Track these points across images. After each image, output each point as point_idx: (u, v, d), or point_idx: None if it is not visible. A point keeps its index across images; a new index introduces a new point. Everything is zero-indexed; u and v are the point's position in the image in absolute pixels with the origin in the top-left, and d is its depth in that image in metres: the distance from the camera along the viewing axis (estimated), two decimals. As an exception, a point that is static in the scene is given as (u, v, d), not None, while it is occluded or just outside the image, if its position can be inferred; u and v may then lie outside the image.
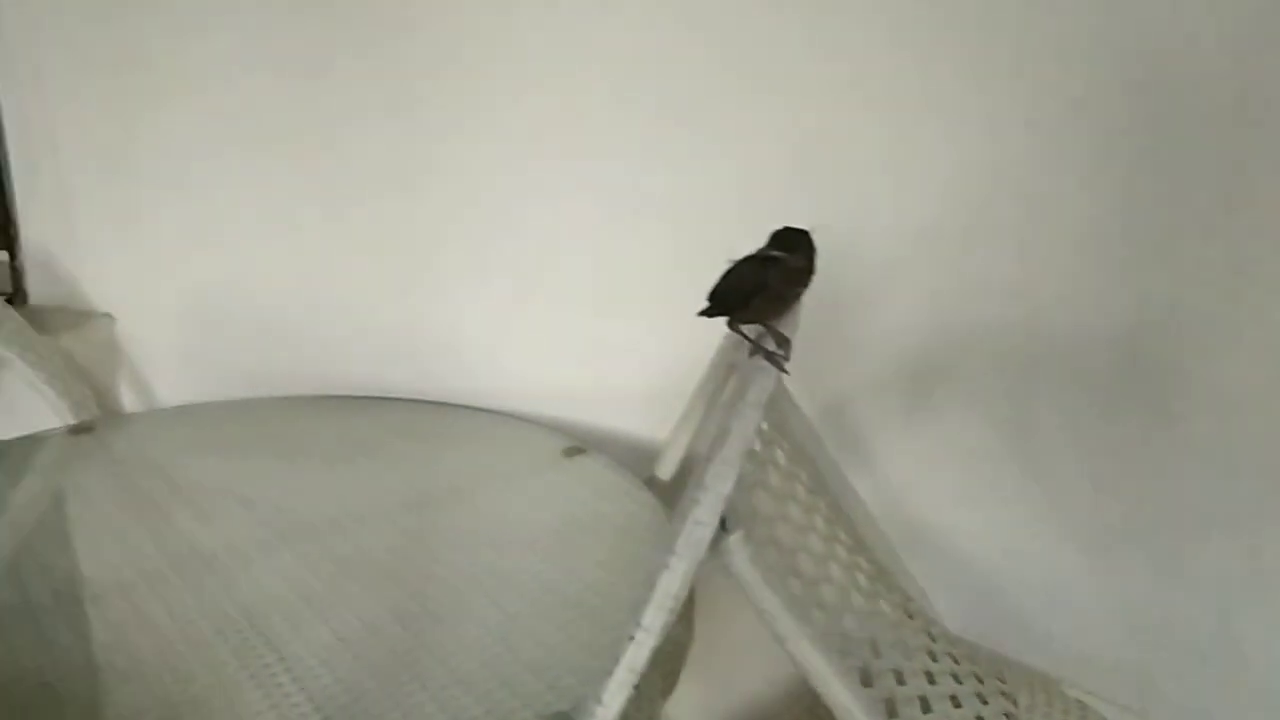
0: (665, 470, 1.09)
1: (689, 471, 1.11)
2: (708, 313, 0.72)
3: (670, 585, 0.61)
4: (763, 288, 0.68)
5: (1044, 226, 1.04)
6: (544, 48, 1.14)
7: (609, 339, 1.19)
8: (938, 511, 1.15)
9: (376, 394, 1.27)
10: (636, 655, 0.61)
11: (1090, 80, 0.97)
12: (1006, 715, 0.82)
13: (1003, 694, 0.85)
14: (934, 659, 0.82)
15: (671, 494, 1.06)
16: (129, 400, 1.39)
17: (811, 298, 1.07)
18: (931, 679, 0.79)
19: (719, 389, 1.02)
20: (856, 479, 1.11)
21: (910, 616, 0.85)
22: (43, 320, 1.32)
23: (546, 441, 1.15)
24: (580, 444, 1.14)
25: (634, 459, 1.12)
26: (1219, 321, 0.98)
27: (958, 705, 0.79)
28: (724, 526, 0.64)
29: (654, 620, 0.61)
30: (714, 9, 1.08)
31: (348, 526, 0.98)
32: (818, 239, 0.69)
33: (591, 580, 0.89)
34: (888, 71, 1.04)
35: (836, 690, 0.67)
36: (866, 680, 0.72)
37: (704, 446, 1.12)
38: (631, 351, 1.18)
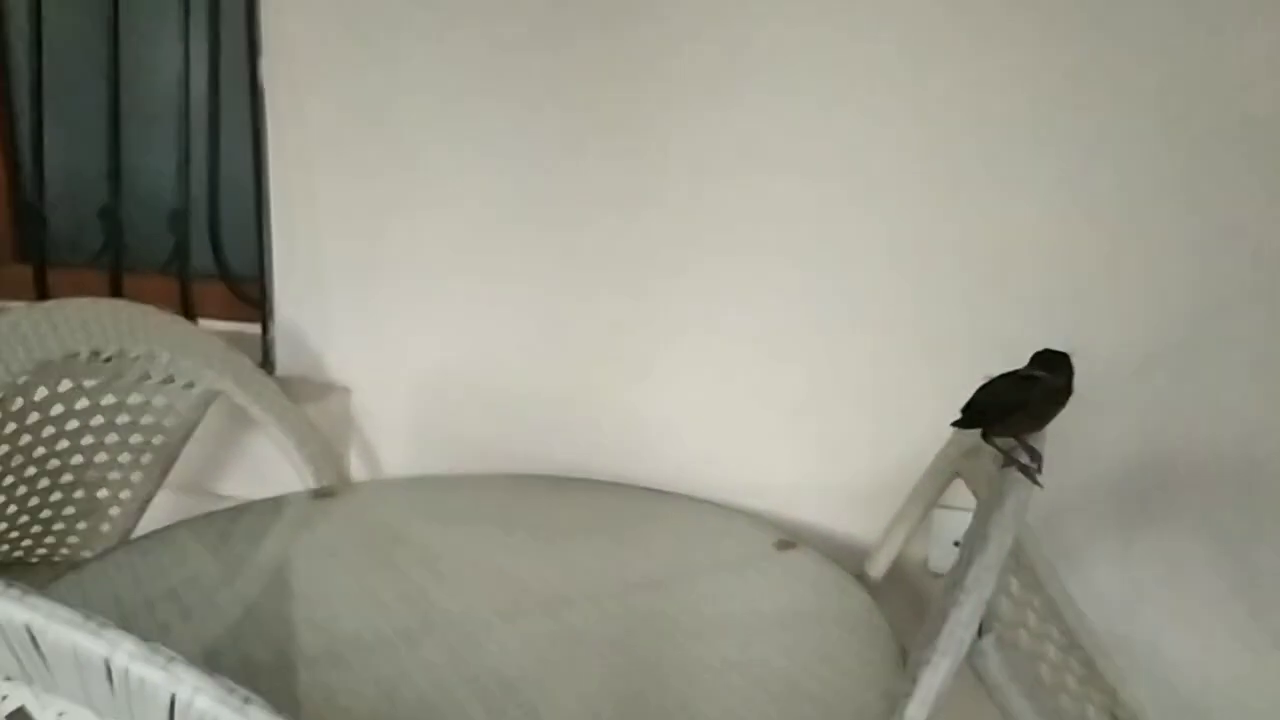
0: (877, 569, 1.11)
1: (900, 571, 1.14)
2: (962, 424, 0.76)
3: (933, 681, 0.64)
4: (1023, 405, 0.72)
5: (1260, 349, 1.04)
6: (783, 143, 1.20)
7: (821, 435, 1.23)
8: (1149, 632, 1.14)
9: (590, 478, 1.34)
10: (907, 751, 0.64)
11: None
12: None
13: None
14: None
15: (881, 593, 1.08)
16: (357, 469, 1.50)
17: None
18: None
19: (938, 492, 1.05)
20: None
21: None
22: (288, 389, 1.45)
23: (757, 534, 1.19)
24: (791, 538, 1.17)
25: (844, 557, 1.15)
26: None
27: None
28: (979, 630, 0.67)
29: (916, 714, 0.64)
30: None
31: (577, 602, 1.04)
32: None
33: (817, 671, 0.92)
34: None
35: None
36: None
37: (916, 547, 1.15)
38: (843, 450, 1.22)
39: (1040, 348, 0.71)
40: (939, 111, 1.14)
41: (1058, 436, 1.13)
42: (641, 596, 1.06)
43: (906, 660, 0.91)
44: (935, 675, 0.64)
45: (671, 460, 1.30)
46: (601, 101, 1.27)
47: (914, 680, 0.64)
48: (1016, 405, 0.72)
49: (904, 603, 1.12)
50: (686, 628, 1.00)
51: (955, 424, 0.76)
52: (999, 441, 0.74)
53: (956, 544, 1.15)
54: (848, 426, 1.21)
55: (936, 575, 1.19)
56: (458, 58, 1.32)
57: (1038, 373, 0.71)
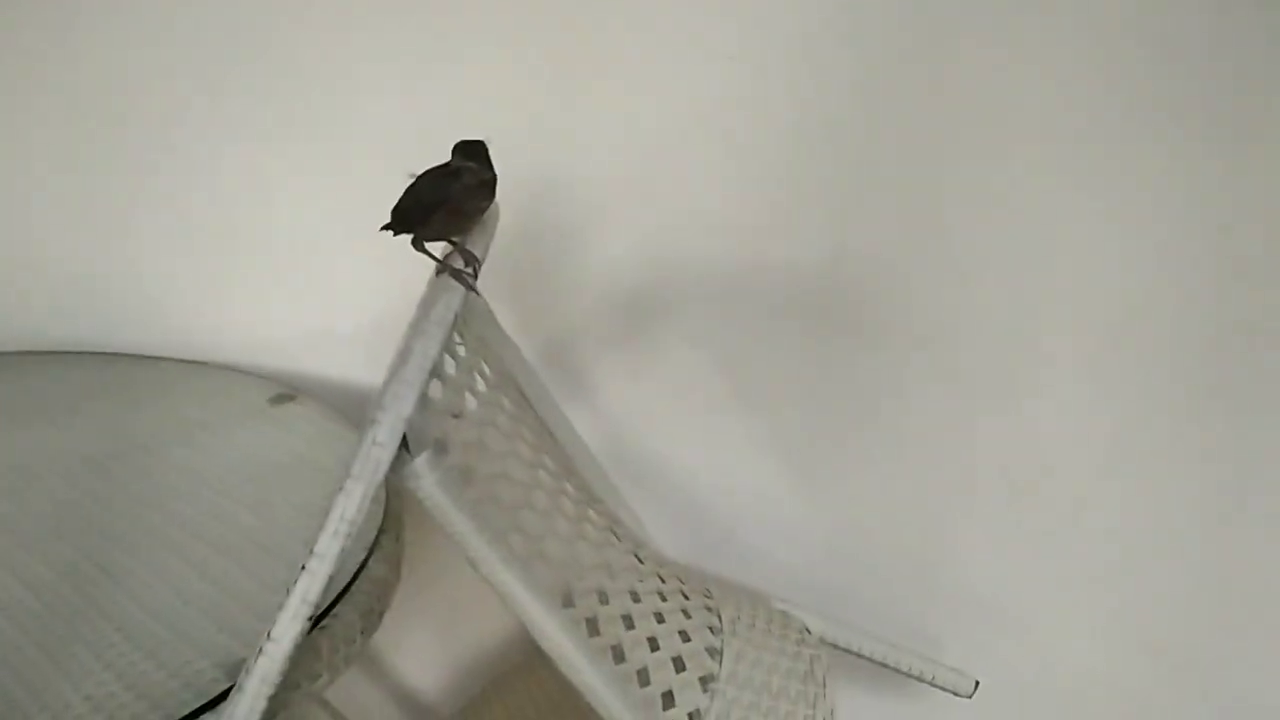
0: (378, 413, 1.05)
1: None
2: (390, 228, 0.69)
3: (345, 509, 0.58)
4: (445, 201, 0.66)
5: (748, 165, 1.07)
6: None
7: (318, 282, 1.13)
8: (656, 444, 1.17)
9: (59, 349, 1.16)
10: (310, 584, 0.58)
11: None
12: (710, 628, 0.84)
13: (707, 608, 0.87)
14: (641, 579, 0.84)
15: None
16: None
17: (522, 237, 1.07)
18: (636, 597, 0.80)
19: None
20: (578, 415, 1.12)
21: (618, 539, 0.86)
22: None
23: (253, 390, 1.09)
24: (290, 391, 1.08)
25: (350, 405, 1.07)
26: (916, 252, 1.04)
27: (661, 620, 0.80)
28: (407, 449, 0.62)
29: (328, 547, 0.58)
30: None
31: (15, 485, 0.89)
32: (505, 157, 0.68)
33: (286, 523, 0.85)
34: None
35: (534, 612, 0.67)
36: (568, 601, 0.72)
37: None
38: (343, 294, 1.13)
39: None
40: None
41: (558, 262, 1.12)
42: (101, 472, 0.93)
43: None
44: (348, 501, 0.58)
45: (149, 323, 1.15)
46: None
47: (327, 510, 0.58)
48: (440, 202, 0.66)
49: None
50: (144, 498, 0.89)
51: (384, 228, 0.69)
52: (431, 247, 0.69)
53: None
54: (342, 272, 1.12)
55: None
56: None
57: (460, 164, 0.65)
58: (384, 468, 0.59)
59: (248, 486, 0.91)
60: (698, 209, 1.09)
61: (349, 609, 0.73)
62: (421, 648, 1.27)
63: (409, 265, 1.08)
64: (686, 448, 1.18)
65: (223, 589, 0.76)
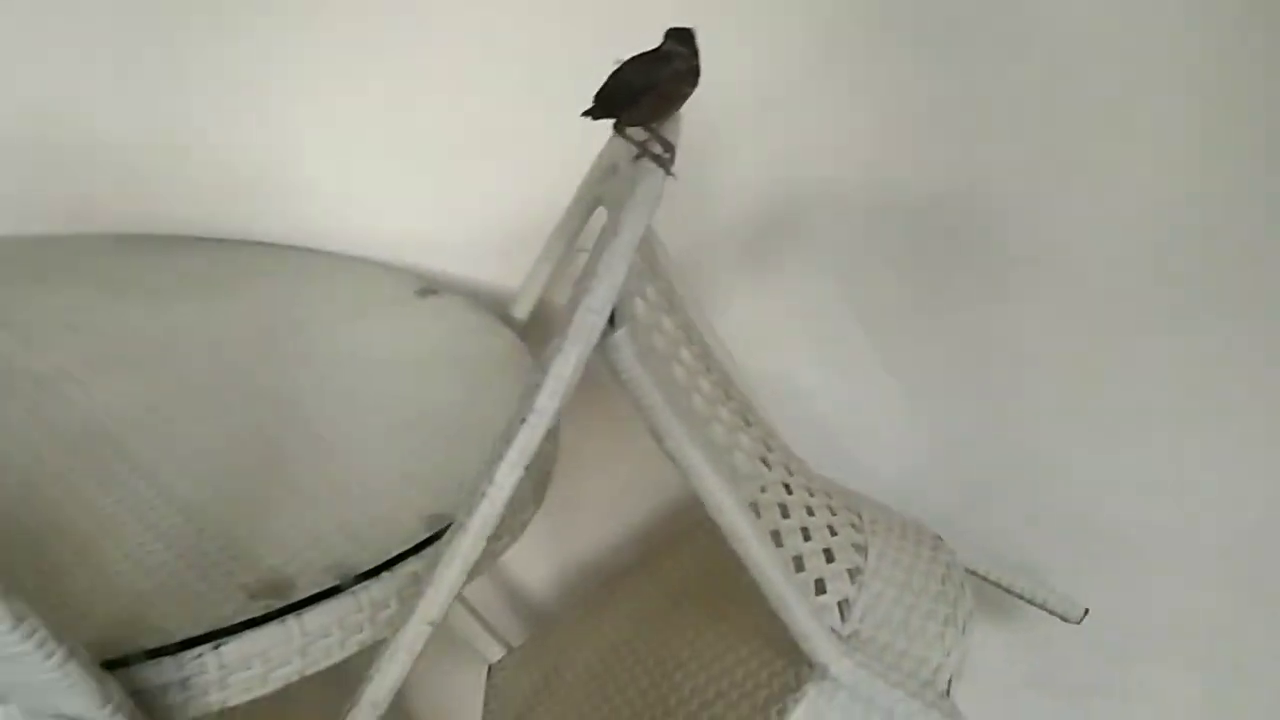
0: (521, 310, 1.08)
1: (543, 319, 1.12)
2: (592, 113, 0.71)
3: (563, 369, 0.61)
4: (653, 86, 0.68)
5: (876, 86, 1.08)
6: None
7: (463, 181, 1.16)
8: (774, 363, 1.19)
9: (215, 236, 1.20)
10: (529, 438, 0.61)
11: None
12: (853, 525, 0.87)
13: (848, 508, 0.90)
14: (790, 474, 0.87)
15: (527, 335, 1.06)
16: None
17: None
18: (789, 489, 0.84)
19: (581, 223, 1.02)
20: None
21: (770, 450, 0.89)
22: None
23: (397, 283, 1.12)
24: (434, 286, 1.12)
25: (488, 304, 1.11)
26: (1043, 174, 1.05)
27: (811, 514, 0.83)
28: (611, 322, 0.65)
29: (547, 404, 0.61)
30: None
31: (190, 354, 0.93)
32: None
33: (451, 403, 0.89)
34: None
35: (711, 485, 0.70)
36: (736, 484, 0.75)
37: (560, 293, 1.13)
38: (486, 195, 1.16)
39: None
40: None
41: (686, 180, 1.14)
42: (265, 344, 0.97)
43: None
44: (565, 363, 0.61)
45: (299, 215, 1.19)
46: None
47: (544, 370, 0.61)
48: (647, 87, 0.68)
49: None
50: (312, 369, 0.93)
51: (585, 114, 0.72)
52: (631, 133, 0.71)
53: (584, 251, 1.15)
54: (486, 172, 1.15)
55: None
56: None
57: (672, 48, 0.67)
58: (597, 333, 0.62)
59: (406, 368, 0.95)
60: (824, 131, 1.10)
61: (525, 477, 0.77)
62: (534, 546, 1.31)
63: (544, 171, 1.11)
64: (805, 367, 1.20)
65: (403, 454, 0.80)
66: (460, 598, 1.07)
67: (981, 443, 1.18)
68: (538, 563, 1.33)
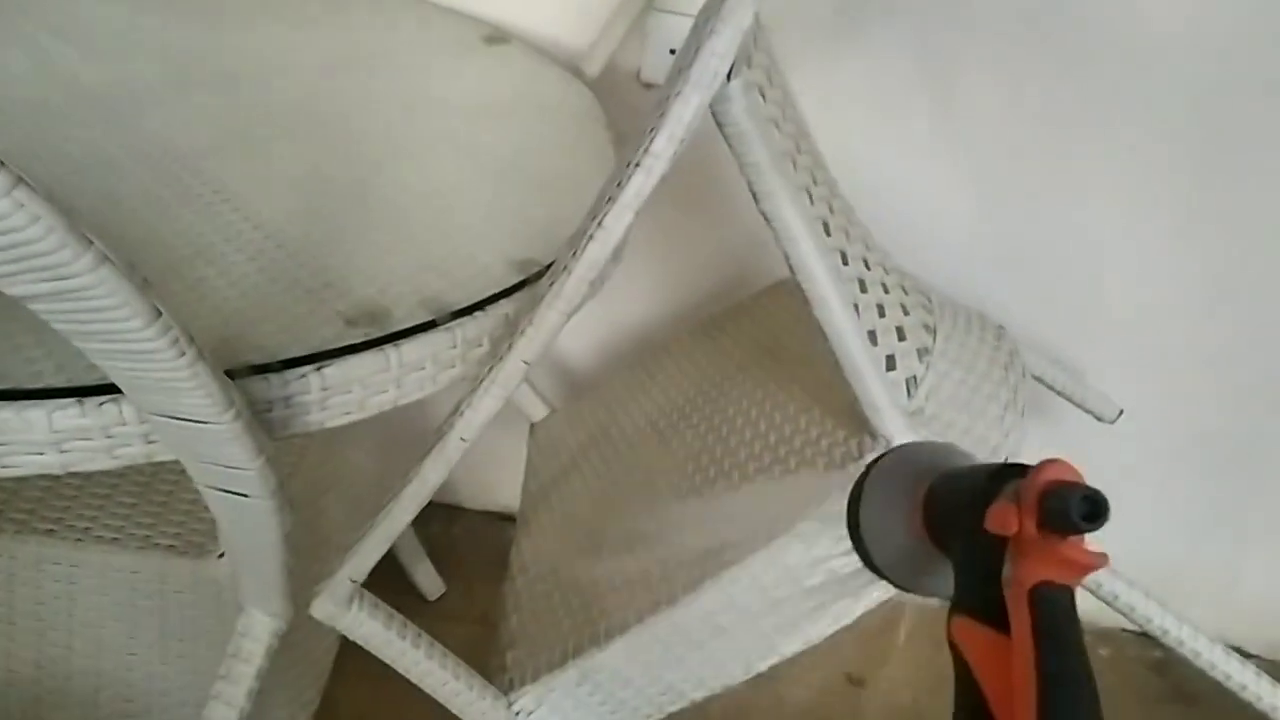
0: (593, 67, 1.05)
1: (611, 82, 1.08)
2: None
3: (683, 112, 0.59)
4: None
5: None
6: None
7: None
8: (841, 135, 1.16)
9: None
10: (643, 182, 0.60)
11: None
12: (924, 307, 0.88)
13: (919, 290, 0.90)
14: (869, 251, 0.86)
15: (596, 93, 1.02)
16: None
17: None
18: (868, 265, 0.83)
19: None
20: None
21: (852, 225, 0.87)
22: None
23: (464, 27, 1.08)
24: (502, 34, 1.07)
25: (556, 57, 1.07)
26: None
27: (886, 291, 0.83)
28: (728, 74, 0.62)
29: (664, 148, 0.59)
30: None
31: (265, 77, 0.90)
32: None
33: (532, 150, 0.87)
34: None
35: (805, 248, 0.69)
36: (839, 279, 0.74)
37: (629, 56, 1.09)
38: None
39: None
40: None
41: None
42: (338, 76, 0.94)
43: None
44: (686, 106, 0.59)
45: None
46: None
47: (662, 114, 0.59)
48: None
49: (615, 113, 1.06)
50: (391, 107, 0.90)
51: None
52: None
53: (672, 51, 1.10)
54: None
55: (649, 86, 1.14)
56: None
57: None
58: (720, 79, 0.60)
59: (480, 114, 0.92)
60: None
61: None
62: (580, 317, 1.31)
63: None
64: (872, 145, 1.17)
65: (489, 199, 0.79)
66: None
67: (1039, 244, 1.17)
68: (583, 334, 1.34)
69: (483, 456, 1.31)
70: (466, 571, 1.33)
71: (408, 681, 0.75)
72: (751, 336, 1.05)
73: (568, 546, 0.93)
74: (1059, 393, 1.11)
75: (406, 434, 0.89)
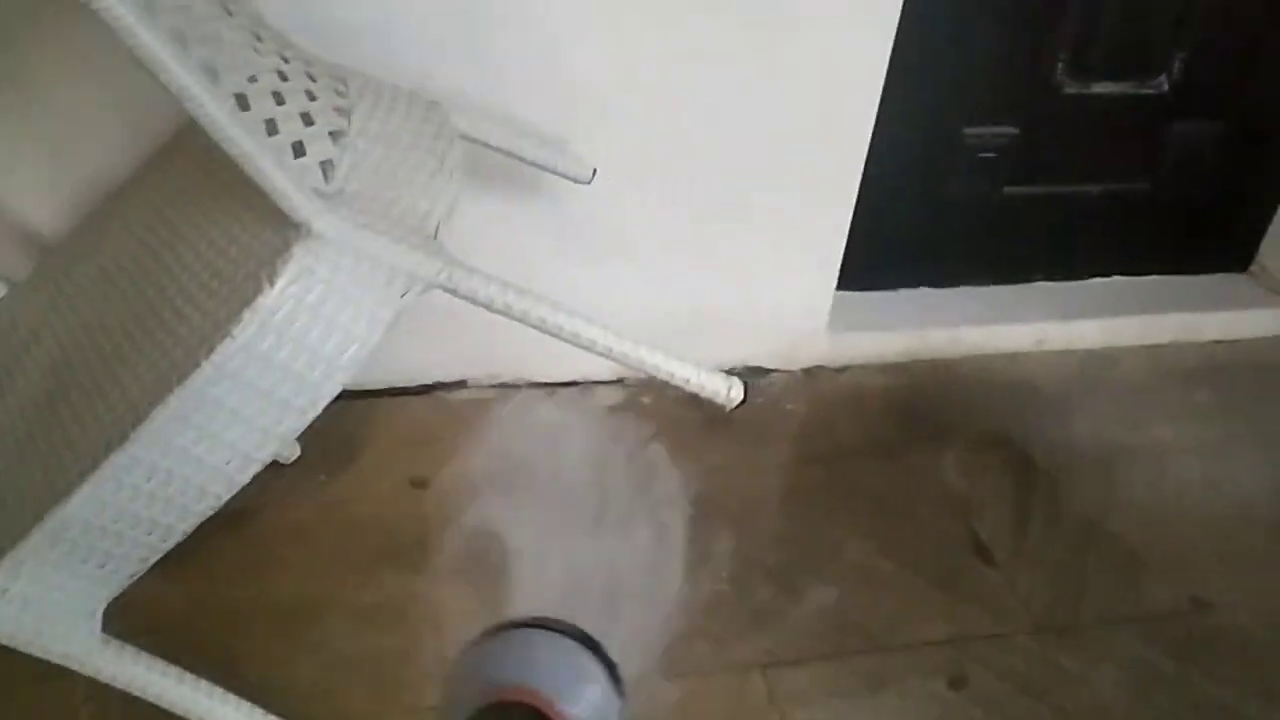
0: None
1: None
2: None
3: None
4: None
5: None
6: None
7: None
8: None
9: None
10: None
11: None
12: (337, 91, 0.86)
13: (333, 76, 0.88)
14: (261, 55, 0.83)
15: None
16: None
17: None
18: (258, 54, 0.80)
19: None
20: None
21: (260, 39, 0.83)
22: None
23: None
24: None
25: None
26: None
27: (285, 79, 0.81)
28: None
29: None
30: None
31: None
32: None
33: None
34: None
35: (144, 41, 0.65)
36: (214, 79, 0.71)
37: None
38: None
39: None
40: None
41: None
42: None
43: None
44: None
45: None
46: None
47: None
48: None
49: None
50: None
51: None
52: None
53: None
54: None
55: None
56: None
57: None
58: None
59: None
60: None
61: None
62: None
63: None
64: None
65: None
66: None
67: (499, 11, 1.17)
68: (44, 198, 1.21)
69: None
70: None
71: None
72: (195, 163, 0.99)
73: (30, 420, 0.87)
74: (532, 164, 1.14)
75: None
